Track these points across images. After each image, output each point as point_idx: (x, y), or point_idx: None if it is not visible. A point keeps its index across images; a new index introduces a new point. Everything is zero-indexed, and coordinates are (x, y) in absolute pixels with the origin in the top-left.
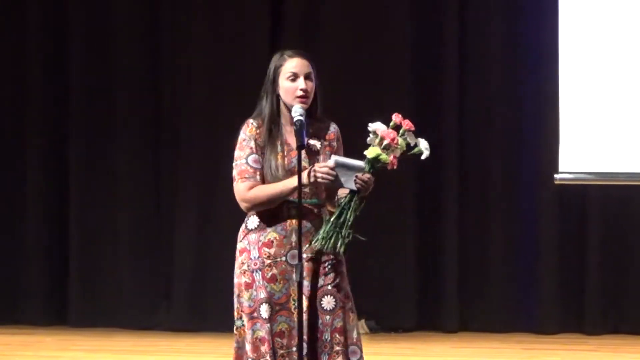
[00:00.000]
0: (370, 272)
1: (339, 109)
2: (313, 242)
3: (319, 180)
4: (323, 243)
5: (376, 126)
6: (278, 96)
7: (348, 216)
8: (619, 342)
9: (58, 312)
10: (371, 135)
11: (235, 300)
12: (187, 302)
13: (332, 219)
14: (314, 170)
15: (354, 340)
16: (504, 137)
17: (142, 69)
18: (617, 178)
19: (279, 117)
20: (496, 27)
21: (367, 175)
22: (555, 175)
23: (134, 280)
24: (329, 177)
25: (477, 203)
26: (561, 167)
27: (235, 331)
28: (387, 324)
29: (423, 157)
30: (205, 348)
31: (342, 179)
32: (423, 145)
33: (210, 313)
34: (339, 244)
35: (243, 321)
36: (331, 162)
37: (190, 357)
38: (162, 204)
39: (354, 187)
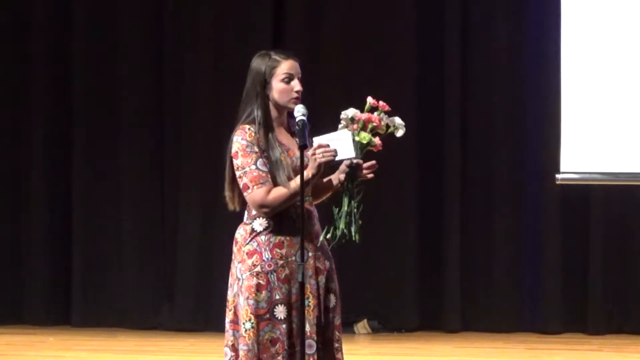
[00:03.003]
0: (373, 272)
1: (342, 103)
2: (323, 236)
3: (322, 160)
4: (339, 234)
5: (352, 112)
6: (267, 98)
7: (353, 203)
8: (622, 342)
9: (61, 312)
10: (343, 122)
11: (244, 303)
12: (190, 302)
13: (341, 210)
14: (314, 155)
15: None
16: (506, 137)
17: (145, 68)
18: (619, 178)
19: (271, 119)
20: (499, 28)
21: (359, 161)
22: (557, 175)
23: (137, 280)
24: (329, 153)
25: (480, 203)
26: (563, 167)
27: (244, 334)
28: (390, 324)
29: (399, 134)
30: (209, 348)
31: (339, 152)
32: (398, 122)
33: (214, 313)
34: (353, 231)
35: (252, 323)
36: (315, 144)
37: (193, 357)
38: (165, 204)
39: (353, 154)
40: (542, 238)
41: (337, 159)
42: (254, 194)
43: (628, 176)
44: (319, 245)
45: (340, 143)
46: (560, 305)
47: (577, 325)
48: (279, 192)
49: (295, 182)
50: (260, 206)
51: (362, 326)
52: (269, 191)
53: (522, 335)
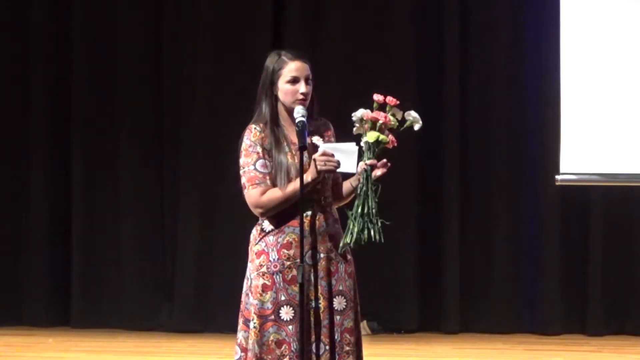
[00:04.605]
0: (372, 273)
1: (342, 104)
2: (344, 241)
3: (324, 168)
4: (357, 237)
5: (361, 112)
6: (276, 97)
7: (370, 204)
8: (621, 343)
9: (61, 313)
10: (357, 124)
11: (251, 302)
12: (190, 304)
13: (357, 212)
14: (314, 160)
15: (359, 339)
16: (506, 138)
17: (145, 68)
18: (618, 179)
19: (279, 118)
20: (499, 28)
21: (372, 161)
22: (557, 177)
23: (136, 282)
24: (332, 163)
25: (479, 204)
26: (562, 168)
27: (250, 332)
28: (389, 325)
29: (416, 127)
30: (208, 349)
31: (341, 164)
32: (414, 116)
33: (213, 314)
34: (373, 232)
35: (255, 323)
36: (320, 150)
37: (192, 358)
38: (165, 205)
39: (353, 170)
40: (541, 239)
41: (338, 170)
42: (249, 194)
43: (627, 177)
44: (339, 250)
45: (345, 156)
46: (560, 306)
47: (576, 326)
48: (273, 194)
49: (294, 185)
50: (254, 206)
51: (361, 327)
52: (263, 192)
53: (521, 337)
